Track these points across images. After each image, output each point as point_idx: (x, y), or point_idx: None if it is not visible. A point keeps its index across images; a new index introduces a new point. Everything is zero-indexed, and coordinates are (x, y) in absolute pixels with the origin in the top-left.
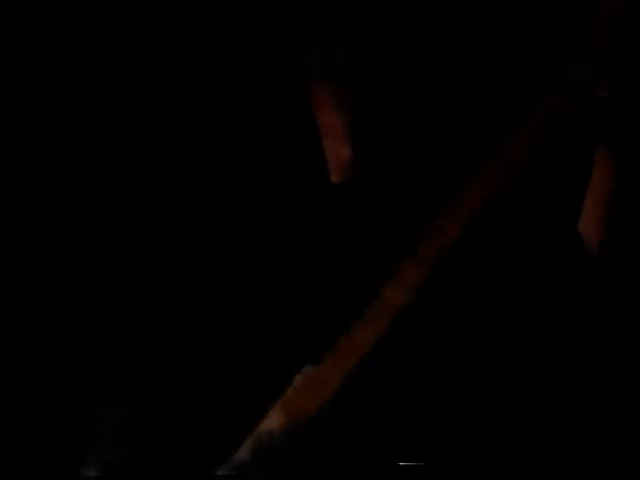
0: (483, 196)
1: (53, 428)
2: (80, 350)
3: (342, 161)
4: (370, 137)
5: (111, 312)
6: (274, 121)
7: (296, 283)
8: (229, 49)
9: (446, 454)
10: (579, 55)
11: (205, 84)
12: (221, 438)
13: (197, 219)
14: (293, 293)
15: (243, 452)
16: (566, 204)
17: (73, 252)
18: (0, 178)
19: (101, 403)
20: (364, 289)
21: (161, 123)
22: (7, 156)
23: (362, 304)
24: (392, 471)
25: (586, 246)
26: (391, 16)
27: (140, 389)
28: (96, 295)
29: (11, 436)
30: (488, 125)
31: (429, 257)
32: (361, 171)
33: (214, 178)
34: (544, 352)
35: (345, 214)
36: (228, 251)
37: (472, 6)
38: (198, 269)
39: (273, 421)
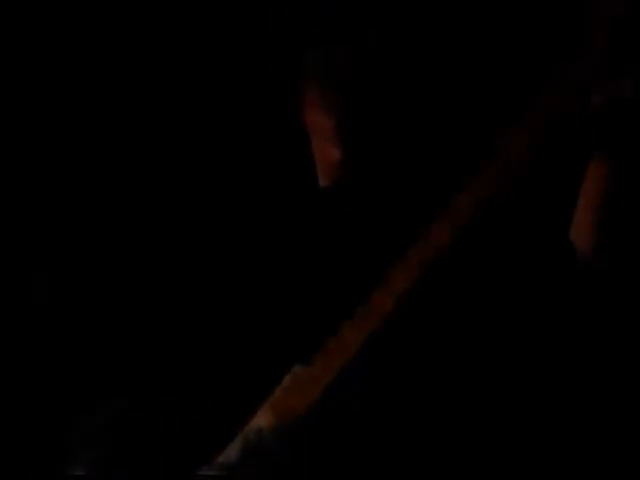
0: (477, 199)
1: (53, 426)
2: (79, 350)
3: (331, 162)
4: (360, 138)
5: (109, 312)
6: (263, 121)
7: (286, 284)
8: (229, 49)
9: (435, 453)
10: (579, 55)
11: (203, 83)
12: (209, 437)
13: (190, 220)
14: (283, 294)
15: (231, 451)
16: (559, 206)
17: (73, 252)
18: (0, 178)
19: (97, 402)
20: (353, 291)
21: (157, 121)
22: (7, 156)
23: (351, 306)
24: (381, 470)
25: (578, 250)
26: (391, 16)
27: (132, 388)
28: (95, 295)
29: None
30: (487, 125)
31: (419, 261)
32: (350, 173)
33: (203, 179)
34: (534, 351)
35: (334, 216)
36: (218, 254)
37: (472, 7)
38: (192, 271)
39: (262, 420)
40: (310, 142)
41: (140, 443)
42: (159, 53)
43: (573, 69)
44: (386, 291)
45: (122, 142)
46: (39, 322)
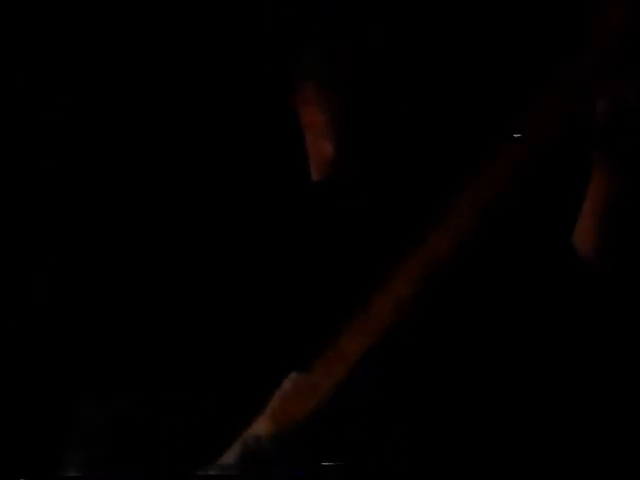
0: (477, 199)
1: (52, 426)
2: (79, 350)
3: (324, 158)
4: (356, 135)
5: (109, 312)
6: (257, 116)
7: (282, 288)
8: (228, 48)
9: (436, 462)
10: (579, 55)
11: (201, 82)
12: (208, 442)
13: (187, 220)
14: (279, 298)
15: (229, 458)
16: (562, 209)
17: (73, 252)
18: (0, 178)
19: (97, 402)
20: (352, 295)
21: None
22: (7, 156)
23: (350, 313)
24: (380, 478)
25: (582, 253)
26: (391, 16)
27: (132, 388)
28: (95, 295)
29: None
30: (487, 125)
31: (418, 264)
32: (343, 168)
33: (196, 174)
34: (537, 355)
35: (326, 214)
36: (216, 255)
37: (472, 7)
38: (189, 274)
39: (260, 427)
40: (304, 137)
41: (140, 443)
42: (158, 52)
43: (573, 69)
44: (385, 295)
45: (121, 141)
46: (39, 322)
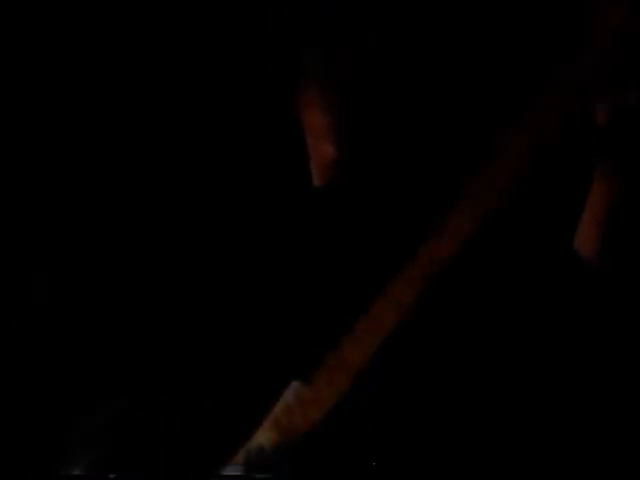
0: (479, 206)
1: (53, 426)
2: (79, 350)
3: (326, 161)
4: (357, 137)
5: (109, 312)
6: (258, 119)
7: (282, 293)
8: (228, 48)
9: (440, 470)
10: (579, 55)
11: (201, 82)
12: (211, 452)
13: (187, 221)
14: (280, 304)
15: (233, 466)
16: (563, 214)
17: (73, 252)
18: (0, 178)
19: (97, 402)
20: (352, 300)
21: (155, 117)
22: (7, 156)
23: (352, 320)
24: None
25: (583, 256)
26: (391, 16)
27: (132, 388)
28: (95, 295)
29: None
30: (487, 125)
31: (420, 272)
32: (345, 172)
33: (197, 177)
34: (539, 359)
35: (328, 217)
36: (216, 259)
37: (472, 6)
38: (191, 281)
39: (264, 437)
40: (305, 140)
41: (140, 443)
42: (158, 52)
43: (573, 69)
44: (387, 303)
45: (121, 141)
46: (39, 322)
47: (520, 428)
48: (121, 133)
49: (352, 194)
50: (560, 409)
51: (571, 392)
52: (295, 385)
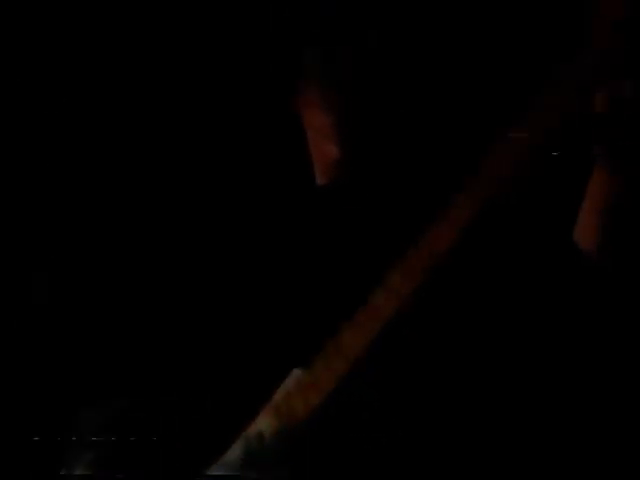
0: (479, 200)
1: (53, 426)
2: (79, 350)
3: (329, 160)
4: (359, 136)
5: (109, 312)
6: (261, 119)
7: (284, 286)
8: (228, 48)
9: (437, 459)
10: (579, 55)
11: (202, 82)
12: (210, 438)
13: (188, 221)
14: (281, 296)
15: (232, 454)
16: (562, 207)
17: (73, 252)
18: (0, 178)
19: (98, 402)
20: (353, 293)
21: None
22: (7, 156)
23: (351, 308)
24: (381, 475)
25: (583, 252)
26: (391, 16)
27: (132, 388)
28: (95, 295)
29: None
30: (487, 125)
31: (419, 263)
32: (348, 171)
33: (200, 177)
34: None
35: (331, 216)
36: (217, 254)
37: (472, 7)
38: (191, 272)
39: (263, 423)
40: (307, 140)
41: (140, 443)
42: (159, 52)
43: (573, 69)
44: (386, 293)
45: (121, 141)
46: (39, 322)
47: (518, 416)
48: (121, 133)
49: (356, 191)
50: (556, 395)
51: (569, 380)
52: (296, 372)
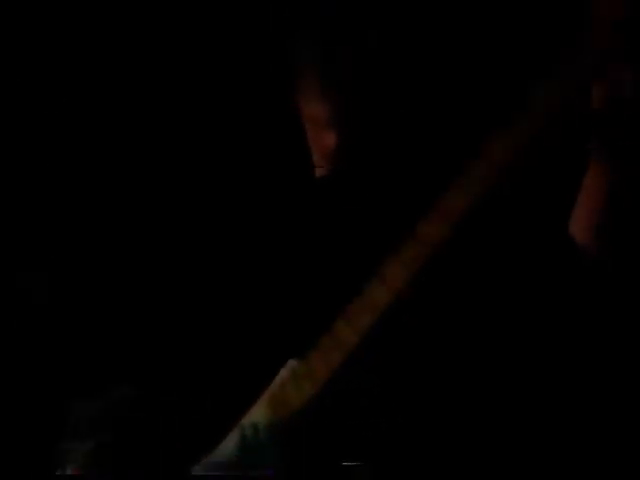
0: (476, 194)
1: (53, 426)
2: (79, 350)
3: (327, 149)
4: (358, 130)
5: (109, 312)
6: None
7: (281, 278)
8: (228, 48)
9: (432, 452)
10: (579, 55)
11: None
12: (206, 429)
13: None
14: (277, 288)
15: (227, 445)
16: (558, 202)
17: (73, 252)
18: (0, 178)
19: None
20: (349, 285)
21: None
22: (7, 156)
23: (346, 301)
24: (376, 466)
25: (578, 246)
26: (391, 16)
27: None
28: (95, 295)
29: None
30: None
31: (415, 256)
32: (346, 162)
33: (198, 170)
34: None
35: (328, 207)
36: (214, 250)
37: (472, 6)
38: (189, 268)
39: (258, 414)
40: (306, 131)
41: (140, 441)
42: (159, 51)
43: (573, 69)
44: (381, 286)
45: (121, 141)
46: (39, 322)
47: (516, 402)
48: (120, 133)
49: (355, 181)
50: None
51: (566, 371)
52: (291, 363)
